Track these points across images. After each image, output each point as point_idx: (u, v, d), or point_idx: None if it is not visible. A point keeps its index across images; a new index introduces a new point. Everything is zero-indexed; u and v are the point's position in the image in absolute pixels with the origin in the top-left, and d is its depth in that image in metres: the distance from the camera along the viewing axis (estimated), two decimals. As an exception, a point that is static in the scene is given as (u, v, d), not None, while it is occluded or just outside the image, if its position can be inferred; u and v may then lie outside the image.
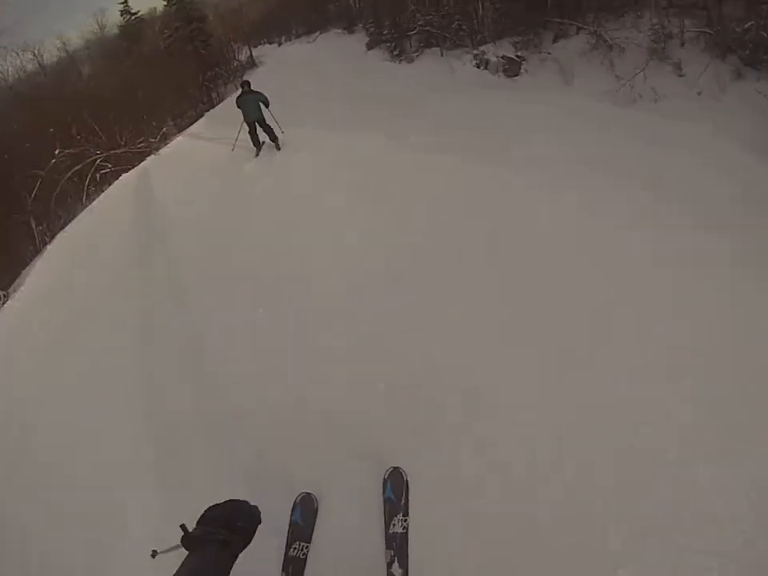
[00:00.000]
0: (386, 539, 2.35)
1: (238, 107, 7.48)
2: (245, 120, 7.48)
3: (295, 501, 2.53)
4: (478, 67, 11.09)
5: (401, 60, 13.80)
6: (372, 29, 16.30)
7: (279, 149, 7.73)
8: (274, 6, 27.90)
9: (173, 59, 18.66)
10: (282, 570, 2.33)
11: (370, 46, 16.79)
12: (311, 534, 2.46)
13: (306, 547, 2.42)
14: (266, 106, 7.35)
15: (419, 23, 12.94)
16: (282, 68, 17.29)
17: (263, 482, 2.89)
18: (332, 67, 15.53)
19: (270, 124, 7.48)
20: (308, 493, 2.55)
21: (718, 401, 2.96)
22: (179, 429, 3.52)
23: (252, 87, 7.80)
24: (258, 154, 7.75)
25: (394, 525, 2.40)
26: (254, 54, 22.64)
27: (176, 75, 17.70)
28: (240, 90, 7.51)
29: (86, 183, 11.60)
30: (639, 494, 2.56)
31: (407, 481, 2.53)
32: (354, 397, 3.36)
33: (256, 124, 7.42)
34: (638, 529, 2.42)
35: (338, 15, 24.79)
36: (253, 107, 7.43)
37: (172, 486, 3.12)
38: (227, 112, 9.70)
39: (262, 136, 7.55)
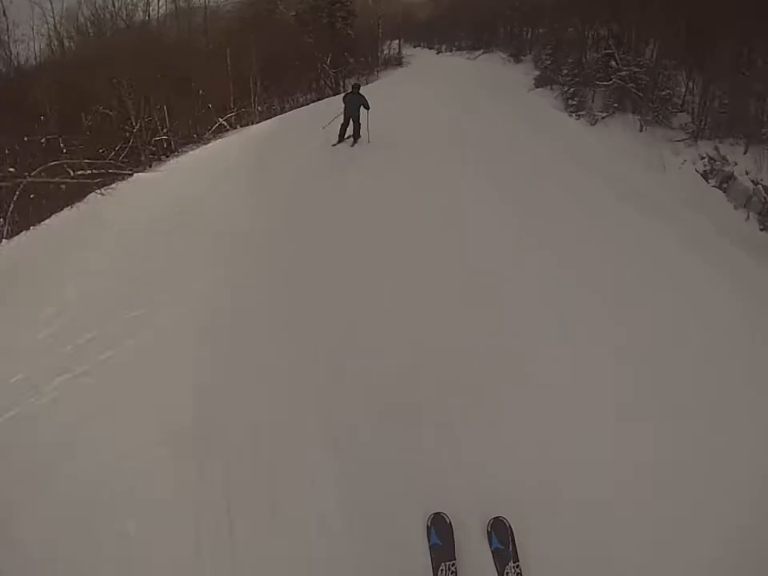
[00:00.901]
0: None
1: (343, 101, 8.48)
2: (343, 113, 8.43)
3: (427, 524, 2.58)
4: (706, 179, 7.66)
5: (579, 115, 11.42)
6: (547, 62, 14.22)
7: (353, 146, 8.65)
8: (444, 12, 26.74)
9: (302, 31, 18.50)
10: None
11: (538, 83, 14.49)
12: (454, 552, 2.51)
13: (454, 564, 2.48)
14: (366, 109, 8.30)
15: (617, 72, 10.55)
16: (422, 78, 16.05)
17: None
18: (483, 96, 13.59)
19: (361, 123, 8.39)
20: (437, 513, 2.59)
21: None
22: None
23: (362, 90, 9.05)
24: (336, 144, 8.69)
25: (508, 573, 2.45)
26: (403, 53, 22.27)
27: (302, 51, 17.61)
28: (350, 89, 8.57)
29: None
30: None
31: (511, 527, 2.56)
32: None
33: (351, 120, 8.34)
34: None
35: (508, 38, 23.44)
36: (354, 107, 8.42)
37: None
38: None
39: (349, 131, 8.41)
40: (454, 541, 2.54)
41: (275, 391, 3.74)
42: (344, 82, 18.73)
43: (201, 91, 13.05)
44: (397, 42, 21.37)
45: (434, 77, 16.63)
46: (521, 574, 2.45)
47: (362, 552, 2.65)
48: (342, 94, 8.94)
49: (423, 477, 2.96)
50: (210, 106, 13.28)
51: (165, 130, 12.48)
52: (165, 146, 12.60)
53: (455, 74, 16.55)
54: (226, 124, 13.68)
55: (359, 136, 8.66)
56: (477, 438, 3.19)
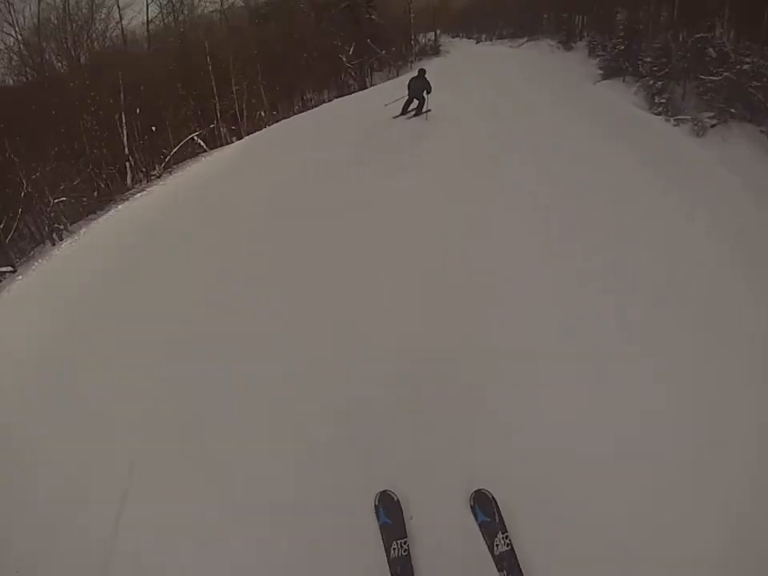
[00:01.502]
0: (495, 562, 2.39)
1: (408, 85, 9.21)
2: (408, 94, 9.24)
3: (375, 503, 2.60)
4: None
5: (677, 120, 8.82)
6: (620, 47, 11.88)
7: (413, 116, 9.39)
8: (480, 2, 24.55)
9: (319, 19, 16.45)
10: (391, 573, 2.43)
11: (606, 74, 12.61)
12: (405, 529, 2.51)
13: (405, 542, 2.48)
14: (428, 93, 9.05)
15: (733, 64, 7.81)
16: (461, 69, 13.53)
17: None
18: (534, 90, 11.53)
19: (426, 99, 9.04)
20: (383, 491, 2.62)
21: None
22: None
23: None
24: (397, 117, 9.48)
25: (498, 545, 2.43)
26: (440, 43, 20.19)
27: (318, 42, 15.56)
28: (417, 73, 9.38)
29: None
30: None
31: (494, 498, 2.57)
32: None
33: (414, 100, 9.17)
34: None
35: (555, 24, 21.23)
36: (419, 90, 9.17)
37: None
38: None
39: (412, 106, 9.22)
40: (403, 518, 2.53)
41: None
42: (371, 76, 17.24)
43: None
44: (433, 33, 19.93)
45: (473, 68, 15.54)
46: (511, 544, 2.40)
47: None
48: (408, 78, 9.51)
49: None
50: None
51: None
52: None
53: (499, 64, 15.75)
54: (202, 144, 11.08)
55: (423, 110, 9.36)
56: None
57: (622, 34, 11.43)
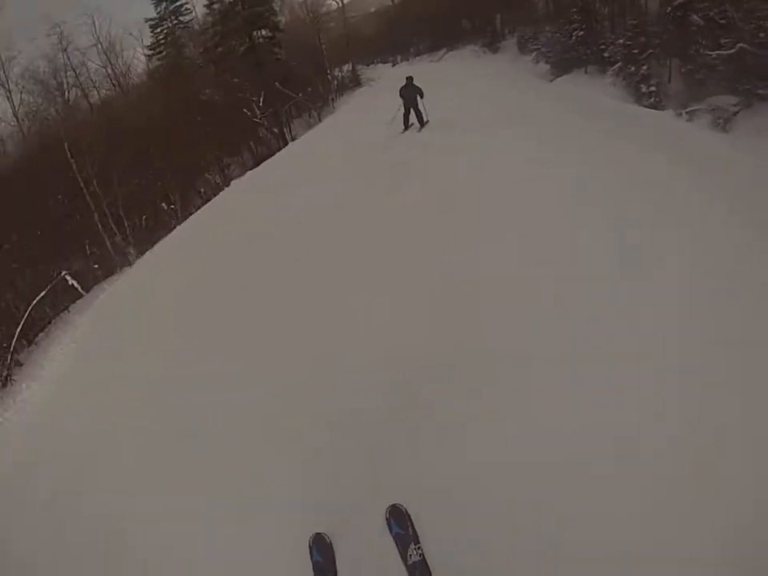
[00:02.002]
0: (407, 571, 2.47)
1: (401, 95, 9.18)
2: (403, 104, 9.20)
3: (309, 543, 2.66)
4: None
5: (689, 114, 6.96)
6: (576, 34, 10.18)
7: (420, 130, 9.26)
8: (389, 23, 24.29)
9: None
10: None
11: (560, 69, 11.35)
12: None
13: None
14: (421, 97, 9.02)
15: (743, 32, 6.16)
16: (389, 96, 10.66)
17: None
18: (482, 107, 9.70)
19: (421, 110, 9.12)
20: (318, 533, 2.68)
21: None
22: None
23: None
24: (404, 131, 9.41)
25: (411, 556, 2.49)
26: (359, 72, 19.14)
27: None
28: (405, 82, 9.21)
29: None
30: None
31: (407, 512, 2.64)
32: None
33: (411, 109, 9.15)
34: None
35: (475, 27, 20.58)
36: (412, 97, 9.03)
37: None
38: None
39: (412, 119, 9.31)
40: (335, 559, 2.62)
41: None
42: (290, 126, 13.73)
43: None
44: (348, 64, 18.96)
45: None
46: (423, 554, 2.49)
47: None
48: (399, 88, 9.31)
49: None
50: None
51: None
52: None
53: (428, 83, 11.89)
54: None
55: (423, 122, 9.29)
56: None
57: (576, 17, 9.27)
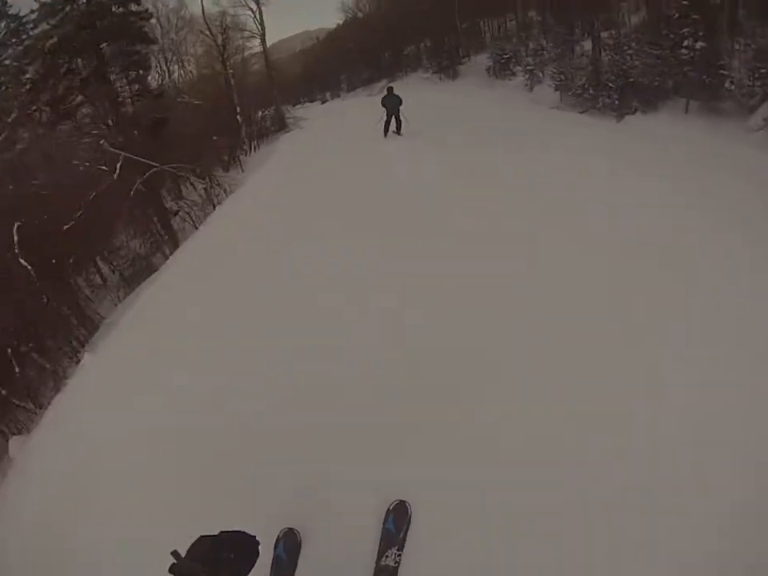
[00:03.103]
0: (375, 571, 2.28)
1: (383, 104, 10.03)
2: (387, 113, 10.04)
3: (278, 536, 2.50)
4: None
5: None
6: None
7: (400, 135, 10.24)
8: (318, 56, 21.76)
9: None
10: None
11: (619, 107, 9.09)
12: (295, 570, 2.40)
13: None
14: (400, 105, 9.94)
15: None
16: (329, 143, 10.80)
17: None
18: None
19: (401, 118, 10.10)
20: (290, 528, 2.53)
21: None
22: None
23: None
24: (385, 136, 10.18)
25: (387, 557, 2.31)
26: (288, 116, 15.74)
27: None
28: (386, 92, 10.08)
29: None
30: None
31: (410, 516, 2.48)
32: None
33: (393, 117, 10.16)
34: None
35: (428, 49, 17.59)
36: (394, 105, 9.96)
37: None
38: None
39: (392, 127, 10.24)
40: (297, 559, 2.48)
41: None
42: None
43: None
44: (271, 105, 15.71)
45: (341, 136, 11.40)
46: (399, 563, 2.32)
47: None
48: (381, 97, 10.34)
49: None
50: None
51: None
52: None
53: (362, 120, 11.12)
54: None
55: (400, 128, 10.30)
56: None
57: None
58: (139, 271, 9.06)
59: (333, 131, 12.52)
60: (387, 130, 10.28)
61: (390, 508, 2.50)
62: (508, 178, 5.85)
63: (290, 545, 2.47)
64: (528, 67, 12.71)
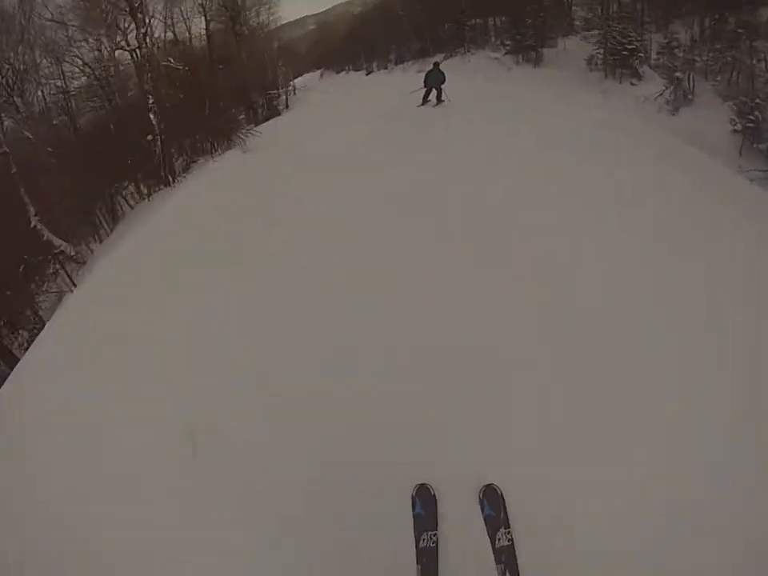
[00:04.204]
0: (494, 554, 2.57)
1: (426, 77, 10.30)
2: (427, 85, 10.21)
3: (412, 494, 2.78)
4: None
5: None
6: None
7: (434, 105, 10.32)
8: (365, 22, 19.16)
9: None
10: (417, 562, 2.66)
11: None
12: (436, 522, 2.71)
13: (435, 535, 2.68)
14: (443, 82, 10.10)
15: None
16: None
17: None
18: None
19: (442, 90, 10.33)
20: (422, 484, 2.82)
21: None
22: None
23: None
24: (421, 105, 10.35)
25: (500, 540, 2.58)
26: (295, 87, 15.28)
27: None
28: (432, 67, 10.24)
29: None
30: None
31: (502, 494, 2.76)
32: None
33: (433, 89, 10.52)
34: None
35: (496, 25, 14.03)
36: (436, 79, 10.10)
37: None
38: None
39: (431, 96, 10.47)
40: (437, 512, 2.81)
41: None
42: None
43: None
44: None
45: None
46: (512, 539, 2.63)
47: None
48: (425, 73, 10.45)
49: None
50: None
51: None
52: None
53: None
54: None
55: (441, 100, 10.51)
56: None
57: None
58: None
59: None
60: (426, 100, 10.80)
61: (481, 495, 2.69)
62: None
63: (426, 500, 2.64)
64: (675, 74, 7.68)
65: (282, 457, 3.08)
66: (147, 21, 10.40)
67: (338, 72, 19.95)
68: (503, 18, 13.88)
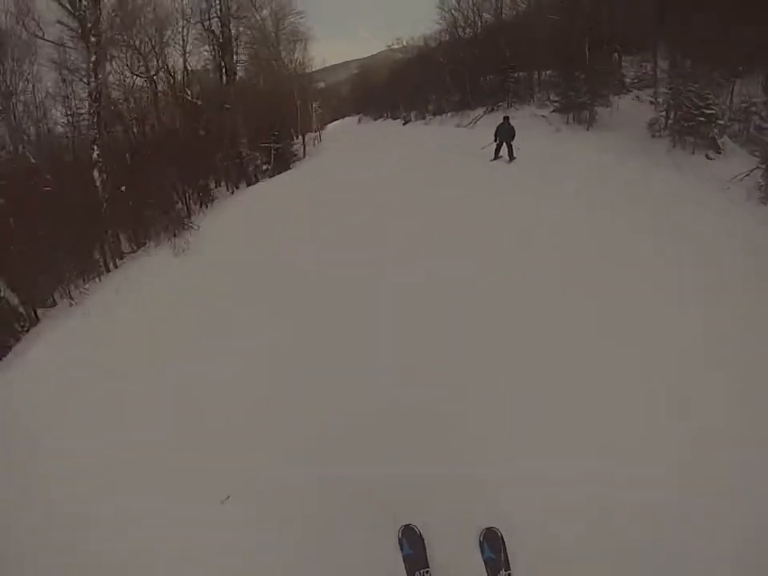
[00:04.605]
0: None
1: (496, 130, 10.22)
2: (498, 139, 10.22)
3: (399, 536, 2.86)
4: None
5: None
6: None
7: (509, 162, 10.32)
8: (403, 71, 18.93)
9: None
10: None
11: None
12: (426, 559, 2.81)
13: (428, 572, 2.77)
14: (514, 137, 10.15)
15: None
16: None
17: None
18: None
19: (512, 146, 10.36)
20: (406, 525, 2.91)
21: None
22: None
23: None
24: (493, 160, 10.37)
25: None
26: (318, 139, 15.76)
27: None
28: (502, 121, 10.16)
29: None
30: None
31: (502, 537, 2.85)
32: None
33: (504, 144, 10.57)
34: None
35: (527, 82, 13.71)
36: (507, 134, 10.11)
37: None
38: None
39: (502, 152, 10.52)
40: (425, 549, 2.95)
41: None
42: None
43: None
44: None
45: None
46: None
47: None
48: (497, 126, 10.32)
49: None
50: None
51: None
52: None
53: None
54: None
55: (513, 157, 10.66)
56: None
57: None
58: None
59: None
60: (497, 155, 10.88)
61: (481, 538, 2.78)
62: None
63: (413, 540, 2.75)
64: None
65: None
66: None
67: (375, 119, 20.20)
68: (548, 72, 13.01)
